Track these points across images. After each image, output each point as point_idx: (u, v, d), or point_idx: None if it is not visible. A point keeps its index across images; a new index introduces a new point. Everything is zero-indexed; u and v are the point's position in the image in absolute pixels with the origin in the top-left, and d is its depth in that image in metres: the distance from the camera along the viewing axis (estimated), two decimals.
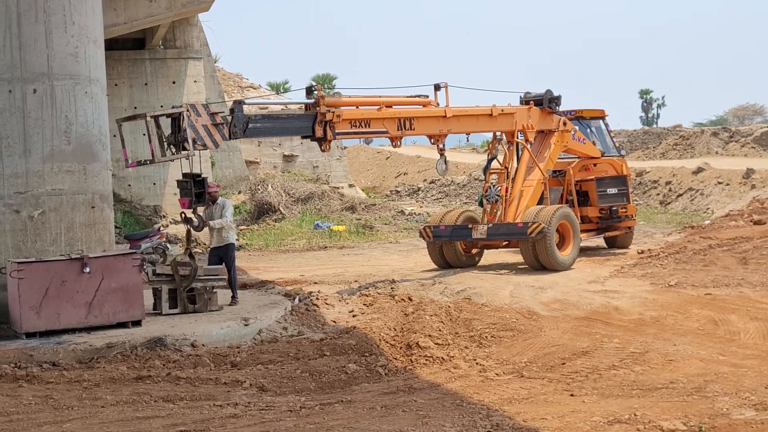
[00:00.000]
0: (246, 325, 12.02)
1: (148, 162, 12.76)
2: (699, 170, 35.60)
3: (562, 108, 18.69)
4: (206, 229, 13.67)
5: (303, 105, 14.60)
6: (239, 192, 34.18)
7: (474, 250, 18.18)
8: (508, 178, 17.60)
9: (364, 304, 13.76)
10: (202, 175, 12.78)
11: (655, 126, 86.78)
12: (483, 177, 18.07)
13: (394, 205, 35.49)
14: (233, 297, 13.79)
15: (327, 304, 13.83)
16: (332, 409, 8.59)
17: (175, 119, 12.51)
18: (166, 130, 12.68)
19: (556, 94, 18.36)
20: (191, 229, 13.14)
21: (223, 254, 13.93)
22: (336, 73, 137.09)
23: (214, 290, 13.24)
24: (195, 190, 12.64)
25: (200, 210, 13.24)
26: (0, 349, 10.59)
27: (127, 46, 29.48)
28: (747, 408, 8.03)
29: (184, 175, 12.72)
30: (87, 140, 12.70)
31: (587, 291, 14.22)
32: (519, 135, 17.76)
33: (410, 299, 13.90)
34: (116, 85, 28.66)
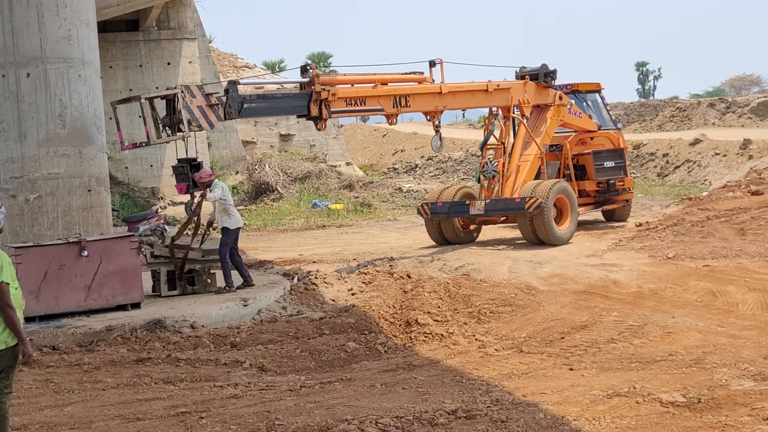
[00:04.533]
0: (245, 305, 12.04)
1: (144, 144, 12.73)
2: (696, 142, 35.55)
3: (557, 82, 18.64)
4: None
5: (298, 84, 14.55)
6: (236, 172, 34.12)
7: (472, 226, 18.17)
8: (504, 153, 17.58)
9: (363, 282, 13.76)
10: (198, 159, 12.76)
11: (651, 98, 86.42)
12: (480, 153, 18.02)
13: (391, 183, 35.45)
14: (227, 283, 13.17)
15: (326, 282, 13.83)
16: (332, 388, 8.62)
17: (170, 101, 12.48)
18: (162, 111, 12.66)
19: (551, 68, 18.32)
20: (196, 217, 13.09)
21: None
22: (331, 52, 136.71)
23: (213, 271, 13.24)
24: (192, 174, 12.64)
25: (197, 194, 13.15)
26: None
27: (120, 28, 29.39)
28: (746, 379, 8.06)
29: (179, 160, 12.70)
30: (82, 123, 12.66)
31: (585, 265, 14.22)
32: (515, 110, 17.73)
33: (409, 276, 13.90)
34: (111, 67, 28.57)
